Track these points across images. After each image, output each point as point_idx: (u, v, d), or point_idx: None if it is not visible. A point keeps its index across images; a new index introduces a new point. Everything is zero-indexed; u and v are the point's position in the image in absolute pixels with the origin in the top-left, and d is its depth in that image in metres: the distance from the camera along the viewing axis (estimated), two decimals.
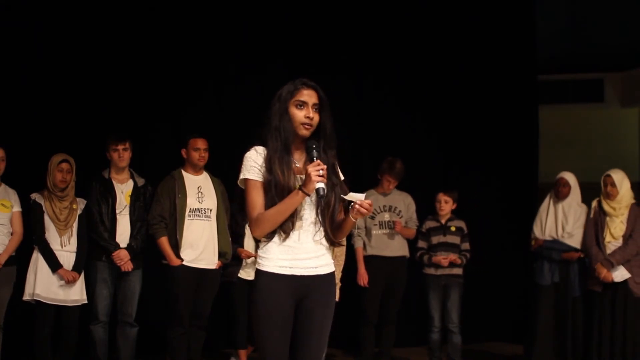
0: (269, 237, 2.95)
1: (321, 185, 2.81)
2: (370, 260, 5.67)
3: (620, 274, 5.40)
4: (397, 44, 6.90)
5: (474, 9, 6.98)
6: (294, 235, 2.93)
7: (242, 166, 2.98)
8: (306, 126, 2.94)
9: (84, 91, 6.19)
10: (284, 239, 2.92)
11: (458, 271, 5.72)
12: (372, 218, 5.68)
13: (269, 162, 2.92)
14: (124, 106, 6.23)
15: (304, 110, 2.94)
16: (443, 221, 5.78)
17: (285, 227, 2.91)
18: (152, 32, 6.38)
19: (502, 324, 6.91)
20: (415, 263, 5.85)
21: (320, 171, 2.81)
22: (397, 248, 5.73)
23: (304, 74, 3.07)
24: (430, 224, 5.81)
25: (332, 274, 3.04)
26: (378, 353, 5.82)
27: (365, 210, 2.87)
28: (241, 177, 2.98)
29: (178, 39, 6.46)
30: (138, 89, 6.32)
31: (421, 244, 5.81)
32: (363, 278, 5.63)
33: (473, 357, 6.25)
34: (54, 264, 5.06)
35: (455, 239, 5.74)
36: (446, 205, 5.75)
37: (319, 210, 2.95)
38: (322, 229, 2.97)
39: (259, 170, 2.93)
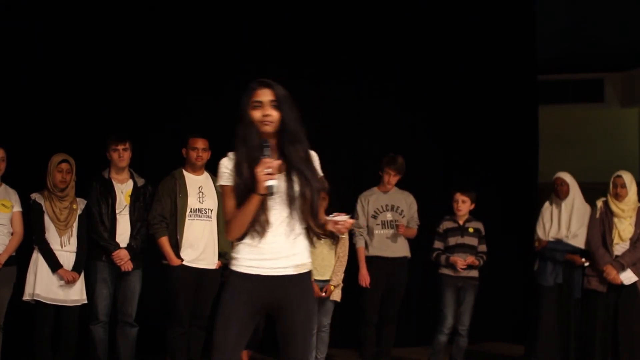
0: (240, 238, 2.99)
1: (272, 182, 2.85)
2: (371, 260, 5.63)
3: (627, 277, 5.39)
4: (397, 44, 6.89)
5: (474, 8, 6.99)
6: (261, 235, 2.96)
7: (217, 173, 3.05)
8: (265, 123, 2.95)
9: (84, 91, 6.18)
10: (252, 239, 2.96)
11: (475, 273, 5.64)
12: (375, 217, 5.66)
13: (236, 167, 2.96)
14: (124, 106, 6.23)
15: (261, 109, 2.96)
16: (461, 222, 5.68)
17: (252, 228, 2.94)
18: (152, 32, 6.37)
19: (503, 324, 6.90)
20: (417, 263, 5.83)
21: (269, 169, 2.84)
22: (399, 249, 5.70)
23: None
24: (447, 224, 5.71)
25: (305, 274, 3.03)
26: (378, 353, 5.80)
27: (340, 227, 2.98)
28: (217, 184, 3.07)
29: (178, 39, 6.45)
30: (138, 89, 6.32)
31: (437, 244, 5.71)
32: (365, 279, 5.58)
33: (473, 357, 6.24)
34: (54, 264, 5.06)
35: (473, 241, 5.65)
36: (464, 205, 5.64)
37: (292, 208, 2.96)
38: (299, 227, 2.99)
39: (230, 175, 2.98)
